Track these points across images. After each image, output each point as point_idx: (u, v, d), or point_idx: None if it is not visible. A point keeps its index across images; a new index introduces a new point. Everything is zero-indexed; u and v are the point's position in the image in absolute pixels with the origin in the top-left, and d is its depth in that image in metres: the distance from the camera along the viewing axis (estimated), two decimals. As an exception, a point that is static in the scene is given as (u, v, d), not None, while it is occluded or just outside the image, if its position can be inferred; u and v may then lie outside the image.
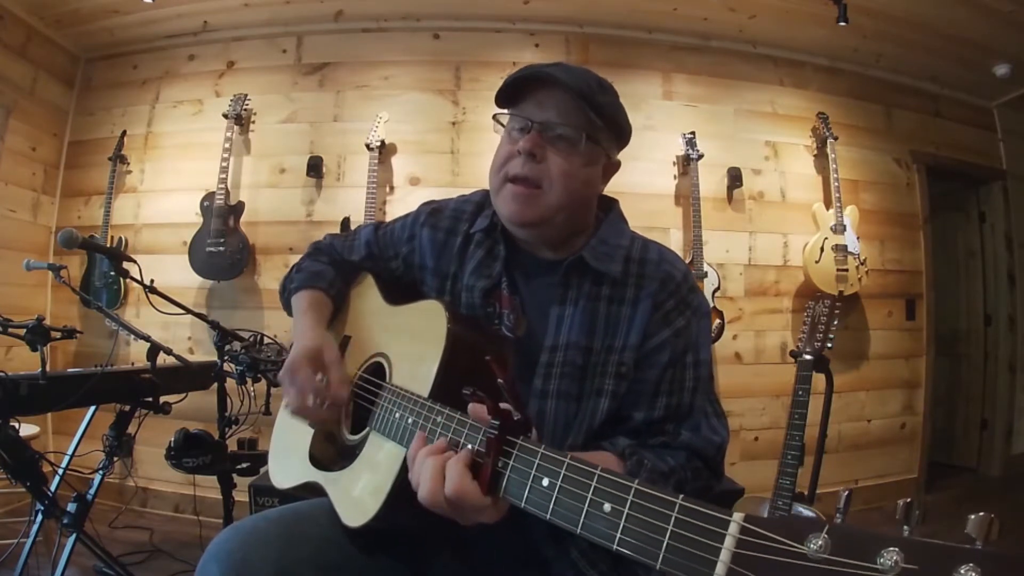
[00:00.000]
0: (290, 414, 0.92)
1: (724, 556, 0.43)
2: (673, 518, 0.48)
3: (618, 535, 0.51)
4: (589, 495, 0.54)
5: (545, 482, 0.58)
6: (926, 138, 3.50)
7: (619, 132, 0.91)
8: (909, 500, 0.41)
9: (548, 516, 0.57)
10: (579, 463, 0.57)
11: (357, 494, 0.83)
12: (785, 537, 0.41)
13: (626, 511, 0.51)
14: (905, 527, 0.40)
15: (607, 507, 0.53)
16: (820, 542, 0.39)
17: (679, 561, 0.46)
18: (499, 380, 0.62)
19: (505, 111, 0.90)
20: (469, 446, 0.66)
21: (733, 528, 0.44)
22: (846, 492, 0.45)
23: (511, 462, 0.61)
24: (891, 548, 0.37)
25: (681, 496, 0.49)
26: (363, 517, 0.78)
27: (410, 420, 0.77)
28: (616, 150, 0.93)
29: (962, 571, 0.34)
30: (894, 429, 3.28)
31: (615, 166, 0.94)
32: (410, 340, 0.91)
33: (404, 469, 0.75)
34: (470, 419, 0.68)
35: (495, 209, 0.92)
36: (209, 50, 3.14)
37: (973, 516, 0.37)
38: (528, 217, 0.86)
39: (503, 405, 0.63)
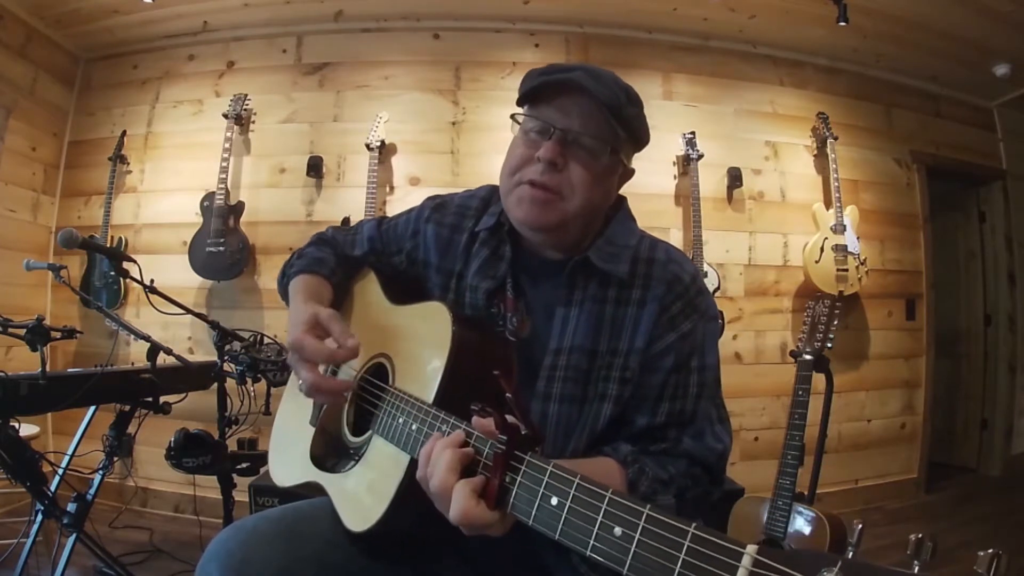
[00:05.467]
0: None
1: None
2: (685, 546, 0.48)
3: (629, 560, 0.51)
4: (599, 518, 0.54)
5: (554, 501, 0.57)
6: (926, 138, 3.50)
7: (638, 142, 0.89)
8: (920, 536, 0.41)
9: (557, 536, 0.56)
10: (589, 484, 0.56)
11: (359, 498, 0.82)
12: (798, 571, 0.41)
13: (637, 536, 0.51)
14: (916, 562, 0.40)
15: (618, 531, 0.52)
16: None
17: None
18: (507, 395, 0.61)
19: (523, 112, 0.86)
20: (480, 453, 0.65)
21: (746, 560, 0.44)
22: (859, 526, 0.45)
23: (519, 478, 0.61)
24: None
25: (694, 524, 0.48)
26: (365, 523, 0.77)
27: (414, 427, 0.76)
28: (631, 158, 0.91)
29: None
30: (894, 429, 3.28)
31: (630, 173, 0.92)
32: (414, 343, 0.89)
33: (407, 475, 0.75)
34: (476, 431, 0.67)
35: (506, 211, 0.89)
36: (209, 50, 3.14)
37: (982, 553, 0.38)
38: (544, 222, 0.83)
39: (510, 419, 0.62)
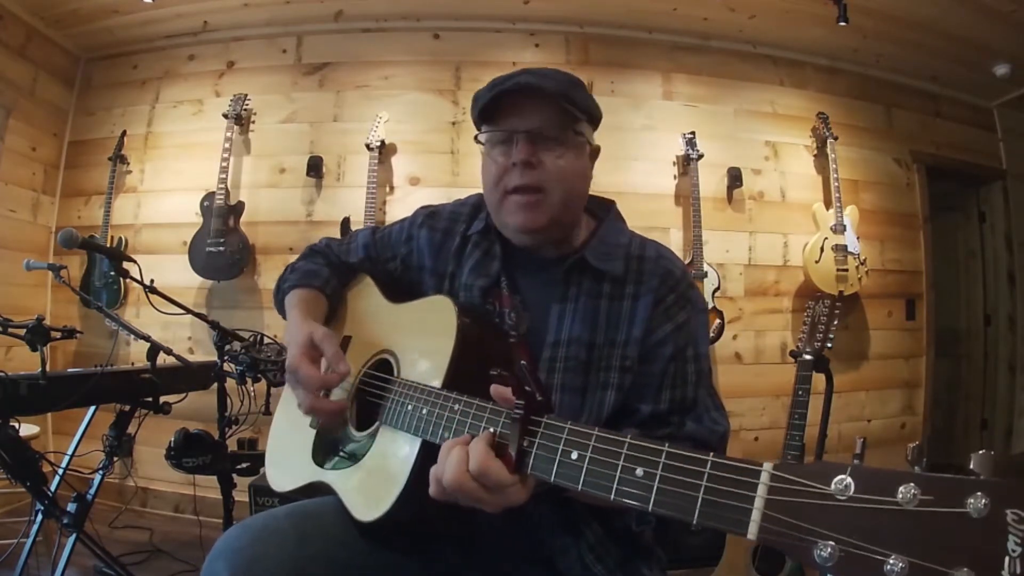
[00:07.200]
0: (304, 413, 0.90)
1: (758, 503, 0.46)
2: (706, 474, 0.50)
3: (653, 497, 0.53)
4: (620, 462, 0.56)
5: (574, 455, 0.59)
6: (926, 138, 3.50)
7: (593, 119, 0.93)
8: (918, 444, 0.44)
9: (580, 487, 0.58)
10: (607, 434, 0.58)
11: (370, 487, 0.83)
12: (812, 480, 0.44)
13: (659, 473, 0.53)
14: (916, 468, 0.43)
15: (640, 472, 0.54)
16: (845, 482, 0.42)
17: (715, 513, 0.49)
18: (522, 362, 0.63)
19: (484, 131, 0.91)
20: (491, 429, 0.67)
21: (764, 477, 0.46)
22: (861, 440, 0.48)
23: (537, 440, 0.62)
24: (909, 483, 0.40)
25: (712, 454, 0.51)
26: (379, 509, 0.78)
27: (425, 411, 0.77)
28: (592, 135, 0.95)
29: (971, 499, 0.37)
30: (894, 429, 3.28)
31: (597, 150, 0.96)
32: (418, 335, 0.92)
33: (420, 459, 0.76)
34: (489, 405, 0.69)
35: (498, 224, 0.93)
36: (209, 50, 3.14)
37: (974, 455, 0.41)
38: (538, 223, 0.87)
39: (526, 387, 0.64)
